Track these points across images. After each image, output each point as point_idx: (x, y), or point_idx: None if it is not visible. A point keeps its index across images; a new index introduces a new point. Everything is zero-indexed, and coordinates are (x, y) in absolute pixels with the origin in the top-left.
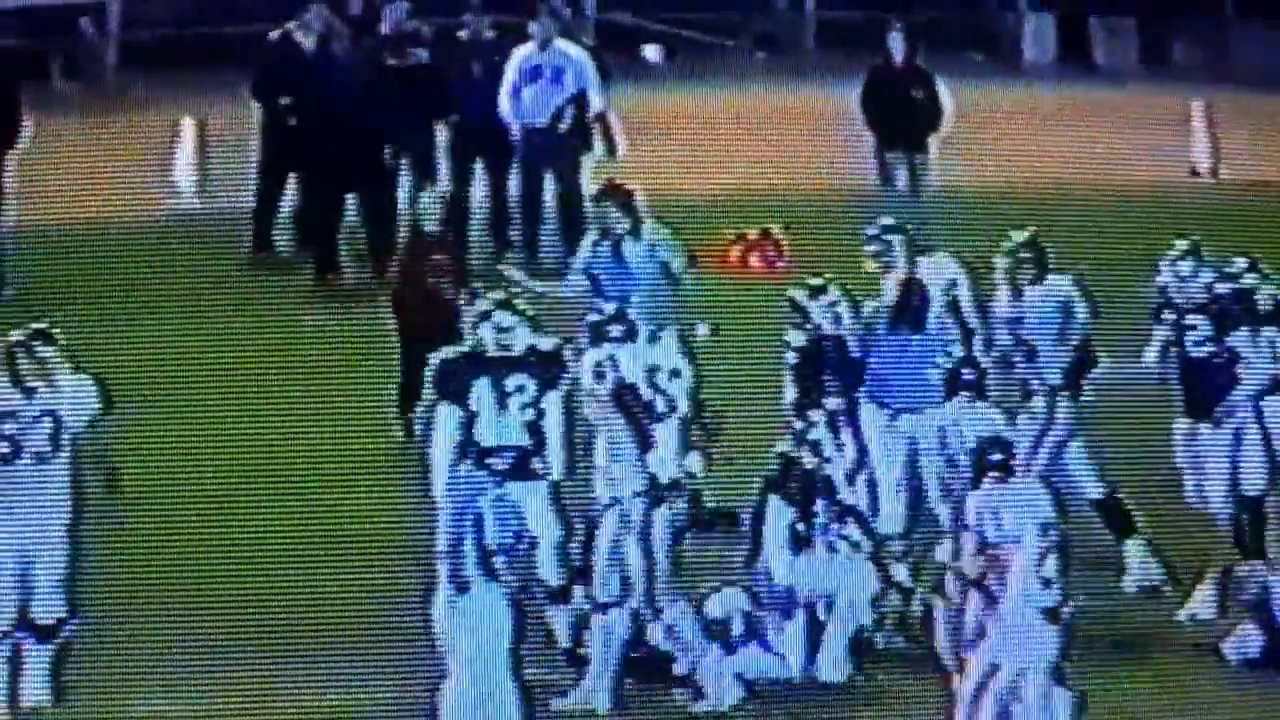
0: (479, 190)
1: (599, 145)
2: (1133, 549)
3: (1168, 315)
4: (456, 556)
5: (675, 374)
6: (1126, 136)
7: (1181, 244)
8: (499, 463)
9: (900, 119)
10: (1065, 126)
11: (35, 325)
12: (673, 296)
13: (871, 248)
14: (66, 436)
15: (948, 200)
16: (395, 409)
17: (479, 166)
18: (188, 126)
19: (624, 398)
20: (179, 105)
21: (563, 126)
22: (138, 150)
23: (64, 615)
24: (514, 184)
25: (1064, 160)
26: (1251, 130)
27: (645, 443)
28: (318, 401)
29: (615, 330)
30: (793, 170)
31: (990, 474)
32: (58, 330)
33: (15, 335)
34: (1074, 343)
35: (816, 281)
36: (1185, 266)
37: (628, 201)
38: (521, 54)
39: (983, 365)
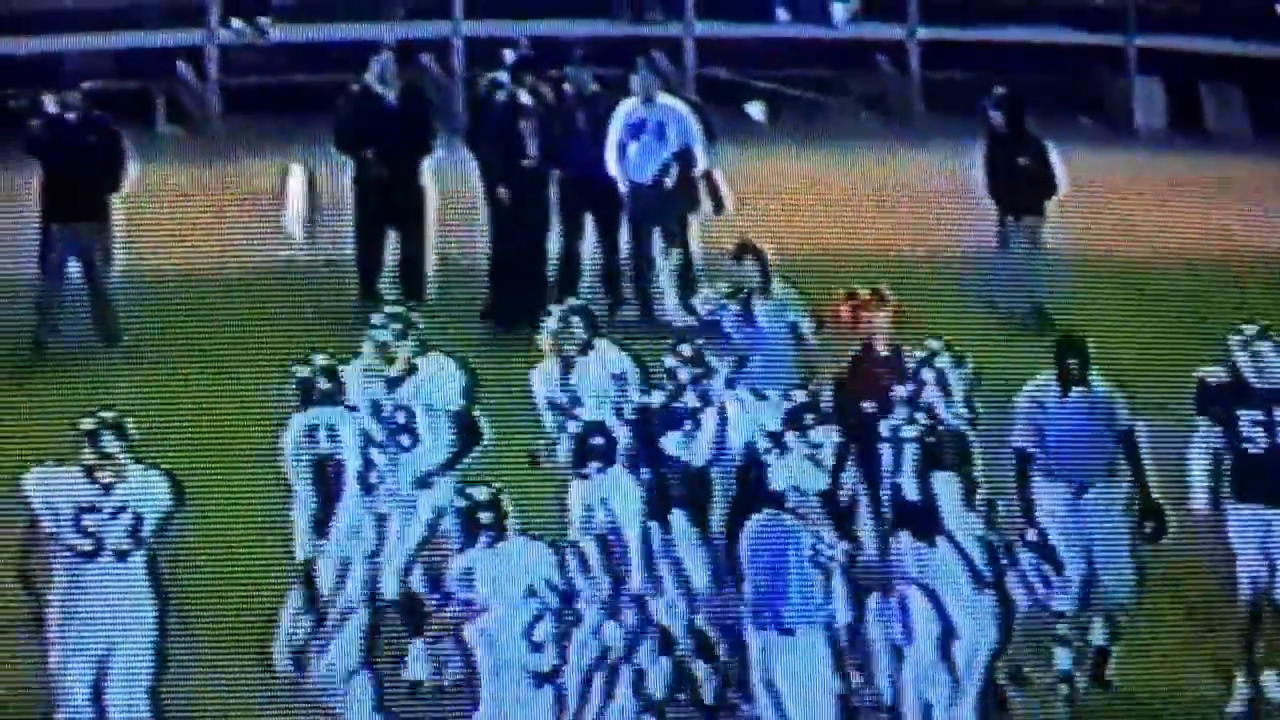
0: (590, 244)
1: (706, 202)
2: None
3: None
4: None
5: None
6: (1240, 208)
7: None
8: None
9: (1015, 185)
10: (1180, 195)
11: (104, 414)
12: (797, 355)
13: None
14: (146, 531)
15: (1063, 265)
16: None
17: (589, 221)
18: (295, 173)
19: None
20: (285, 151)
21: (668, 183)
22: (244, 196)
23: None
24: (623, 240)
25: (1178, 229)
26: None
27: None
28: None
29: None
30: (902, 233)
31: None
32: (130, 420)
33: (86, 424)
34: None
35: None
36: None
37: (762, 259)
38: (625, 108)
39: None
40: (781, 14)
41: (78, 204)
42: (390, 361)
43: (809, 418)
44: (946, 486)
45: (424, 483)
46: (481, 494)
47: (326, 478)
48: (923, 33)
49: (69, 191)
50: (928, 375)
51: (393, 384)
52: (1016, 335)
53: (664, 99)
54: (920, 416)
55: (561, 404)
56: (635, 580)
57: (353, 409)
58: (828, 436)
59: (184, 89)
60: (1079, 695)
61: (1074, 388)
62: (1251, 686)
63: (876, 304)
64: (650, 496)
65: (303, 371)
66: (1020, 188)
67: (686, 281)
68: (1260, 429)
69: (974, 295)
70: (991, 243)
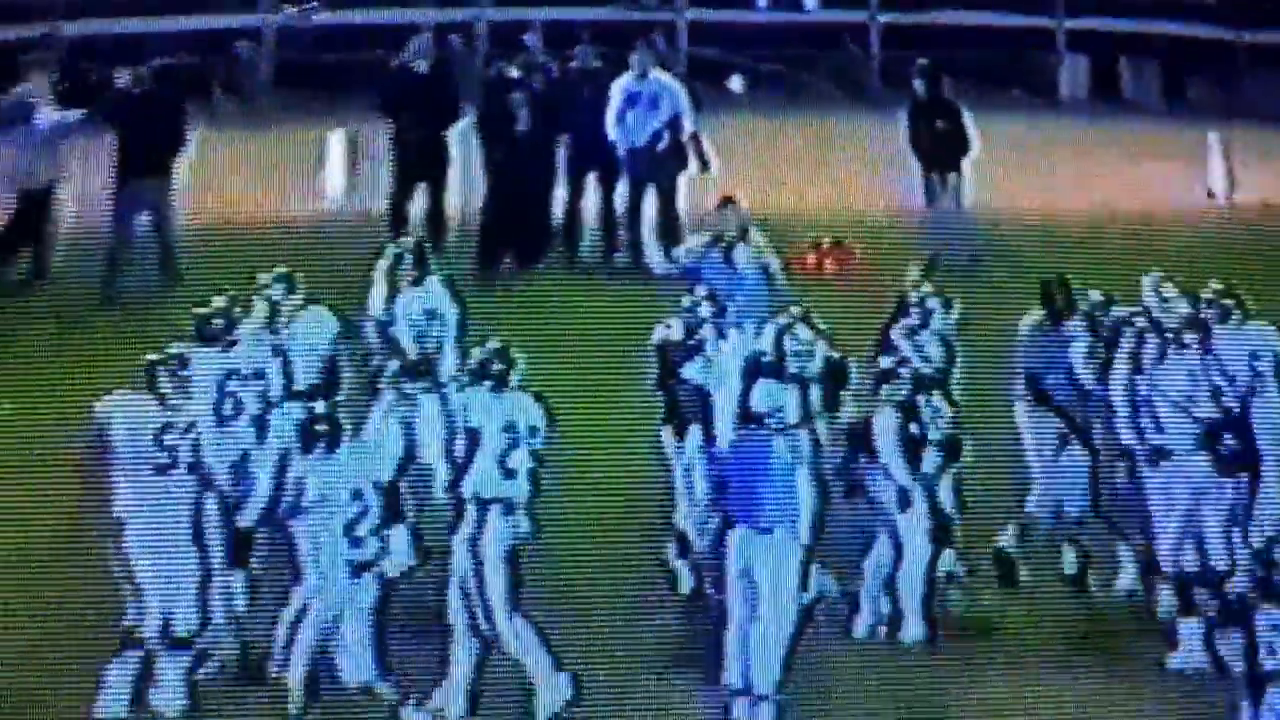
0: (591, 200)
1: (694, 163)
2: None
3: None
4: None
5: None
6: (1150, 165)
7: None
8: None
9: (935, 145)
10: (1095, 156)
11: (172, 350)
12: (770, 296)
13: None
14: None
15: (984, 220)
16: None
17: (591, 179)
18: (336, 138)
19: None
20: (328, 120)
21: (660, 146)
22: (290, 159)
23: (196, 628)
24: (619, 195)
25: (1092, 185)
26: (1262, 159)
27: None
28: None
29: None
30: (857, 190)
31: None
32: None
33: (153, 357)
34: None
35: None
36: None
37: (740, 212)
38: (623, 83)
39: None
40: (760, 0)
41: (147, 164)
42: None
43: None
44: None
45: None
46: (320, 408)
47: None
48: (882, 17)
49: (139, 154)
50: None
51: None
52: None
53: (657, 74)
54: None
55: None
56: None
57: None
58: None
59: (240, 65)
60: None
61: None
62: None
63: (837, 252)
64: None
65: None
66: (939, 147)
67: (672, 232)
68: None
69: (917, 245)
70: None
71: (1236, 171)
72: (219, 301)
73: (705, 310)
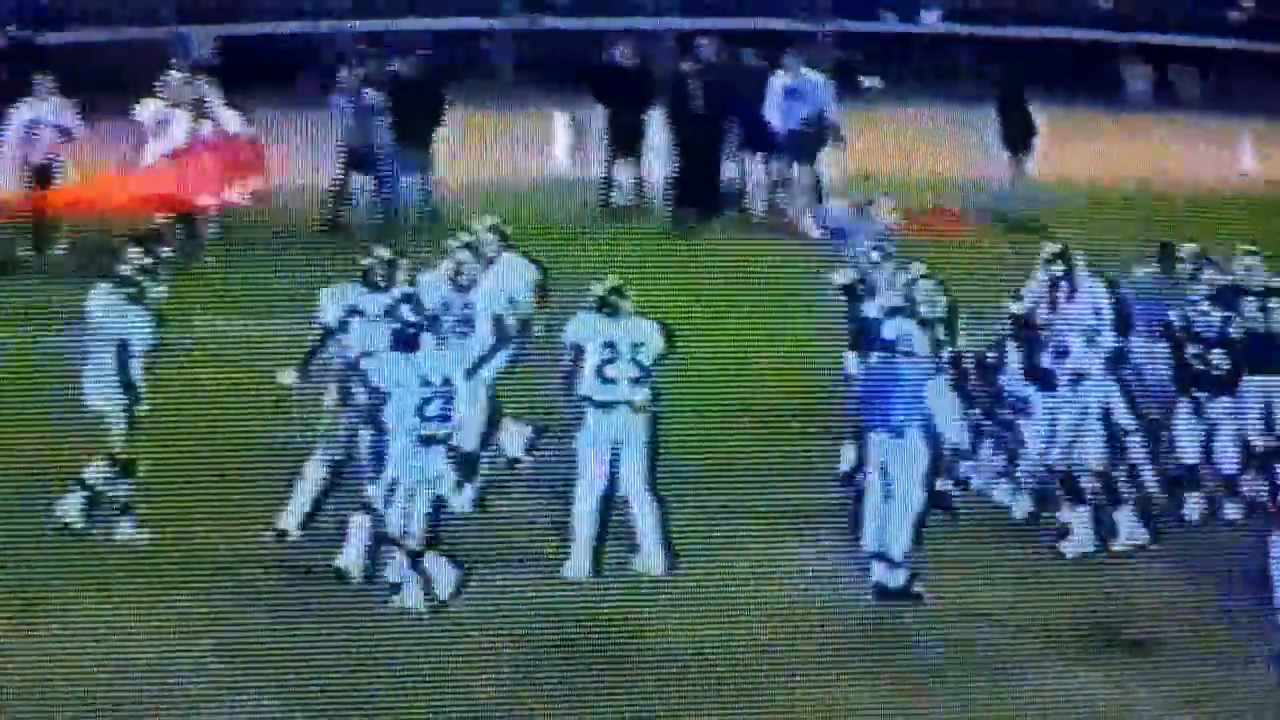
0: (755, 171)
1: (834, 144)
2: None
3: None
4: None
5: None
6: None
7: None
8: None
9: (1012, 132)
10: (1147, 140)
11: (381, 253)
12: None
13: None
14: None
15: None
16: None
17: (755, 155)
18: (560, 119)
19: None
20: (553, 104)
21: (808, 130)
22: (526, 134)
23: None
24: (776, 169)
25: (1145, 164)
26: None
27: None
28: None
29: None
30: (959, 164)
31: None
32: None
33: (366, 261)
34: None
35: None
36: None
37: (872, 183)
38: (779, 78)
39: None
40: (888, 15)
41: (414, 135)
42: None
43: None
44: None
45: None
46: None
47: None
48: (984, 30)
49: (409, 126)
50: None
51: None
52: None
53: (806, 72)
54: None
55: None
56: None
57: None
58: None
59: (486, 58)
60: None
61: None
62: None
63: (945, 214)
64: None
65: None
66: (1016, 133)
67: (818, 198)
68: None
69: (1003, 208)
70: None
71: (1265, 154)
72: (383, 252)
73: (877, 255)
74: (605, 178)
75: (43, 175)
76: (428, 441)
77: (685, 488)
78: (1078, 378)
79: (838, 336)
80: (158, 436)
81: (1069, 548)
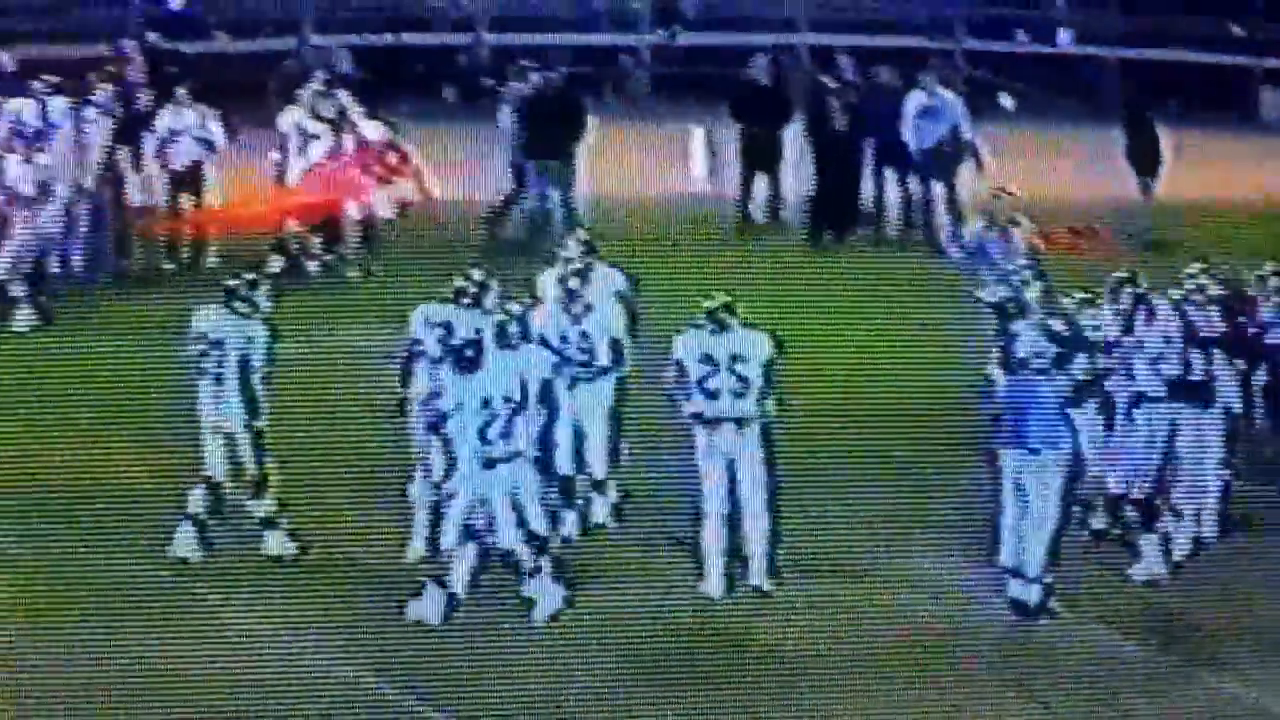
0: (891, 190)
1: (971, 162)
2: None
3: None
4: None
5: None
6: None
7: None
8: None
9: (1140, 156)
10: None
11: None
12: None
13: None
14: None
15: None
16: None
17: (891, 173)
18: (697, 133)
19: None
20: (690, 119)
21: (944, 149)
22: (664, 148)
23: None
24: (911, 186)
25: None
26: None
27: None
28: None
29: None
30: (1091, 185)
31: None
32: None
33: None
34: None
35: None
36: None
37: (1009, 201)
38: (915, 97)
39: None
40: (1021, 35)
41: (555, 148)
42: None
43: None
44: None
45: None
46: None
47: None
48: (1121, 52)
49: (548, 139)
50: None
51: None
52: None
53: (942, 90)
54: None
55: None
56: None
57: None
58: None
59: (623, 74)
60: None
61: None
62: None
63: (1089, 234)
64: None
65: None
66: (1144, 157)
67: (956, 217)
68: None
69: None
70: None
71: None
72: (476, 274)
73: (1027, 275)
74: (741, 194)
75: (184, 186)
76: (491, 464)
77: (819, 502)
78: (1139, 400)
79: (972, 354)
80: (292, 451)
81: (1138, 572)
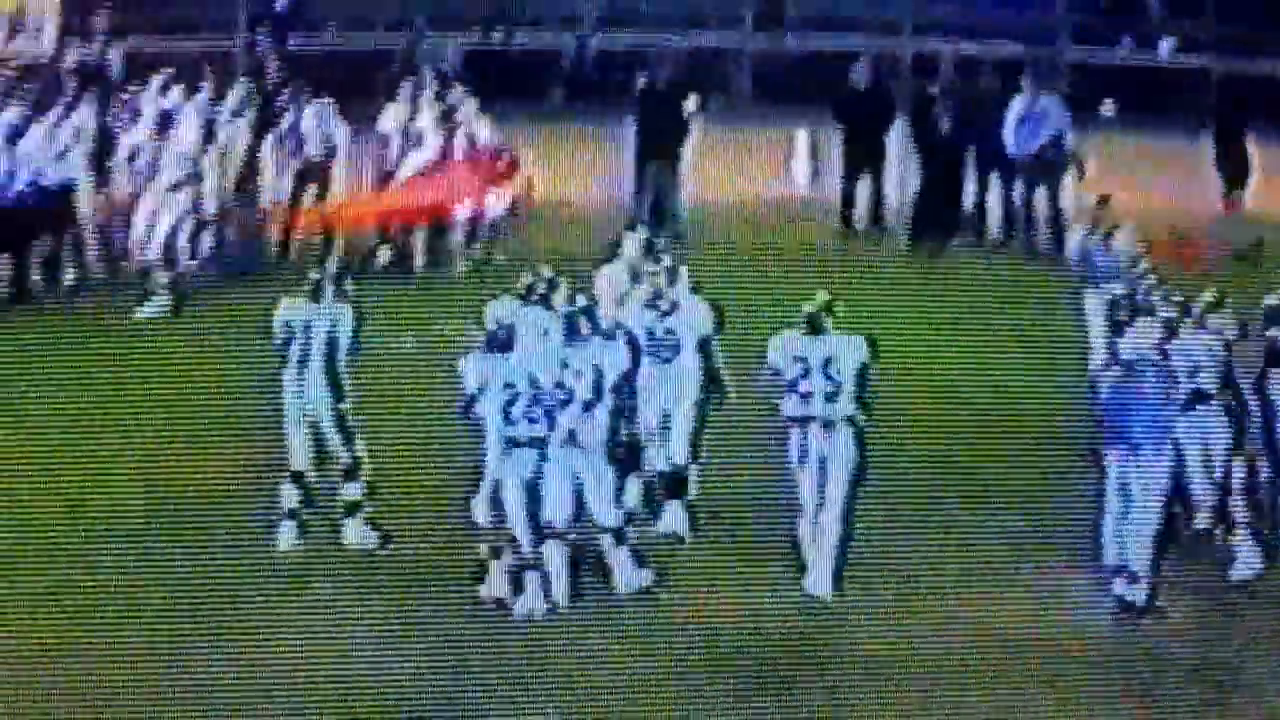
0: (994, 195)
1: (1074, 169)
2: None
3: None
4: None
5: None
6: None
7: None
8: None
9: (1227, 168)
10: None
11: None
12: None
13: None
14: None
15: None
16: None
17: (994, 178)
18: (801, 135)
19: None
20: (793, 122)
21: (1047, 155)
22: (766, 151)
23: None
24: (1014, 191)
25: None
26: None
27: None
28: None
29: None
30: (1191, 195)
31: None
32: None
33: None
34: None
35: None
36: None
37: (1112, 209)
38: (1019, 103)
39: None
40: (1126, 42)
41: (660, 150)
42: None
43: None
44: None
45: None
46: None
47: None
48: (1216, 63)
49: (655, 141)
50: None
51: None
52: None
53: (1045, 97)
54: None
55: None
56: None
57: None
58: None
59: (727, 76)
60: None
61: None
62: None
63: (1188, 243)
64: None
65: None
66: (1232, 169)
67: (1059, 222)
68: None
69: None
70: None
71: None
72: (544, 270)
73: (1142, 283)
74: (844, 197)
75: (309, 182)
76: (513, 443)
77: (915, 505)
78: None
79: (1074, 357)
80: (380, 442)
81: (1239, 571)
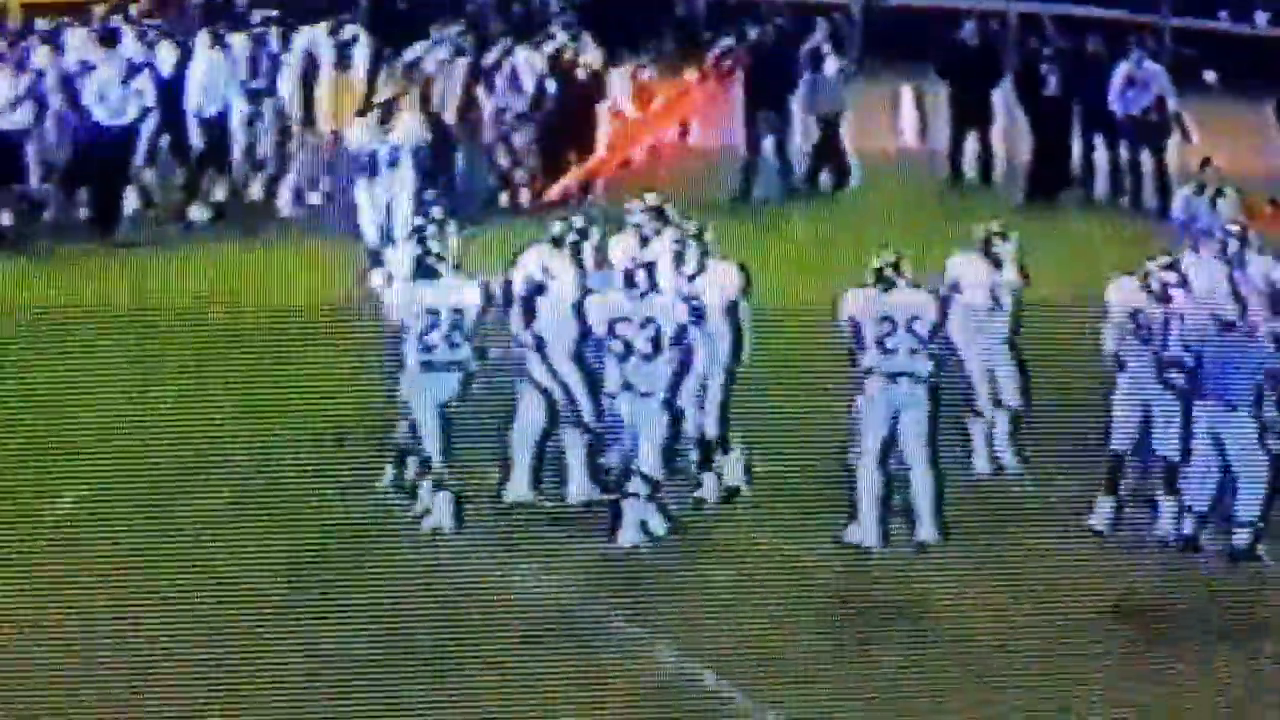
0: (1101, 156)
1: (1178, 133)
2: None
3: None
4: None
5: None
6: None
7: None
8: None
9: None
10: None
11: (576, 221)
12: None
13: None
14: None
15: None
16: None
17: (1099, 138)
18: (906, 91)
19: None
20: (900, 77)
21: (1152, 118)
22: (872, 104)
23: None
24: (1119, 153)
25: None
26: None
27: None
28: None
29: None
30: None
31: None
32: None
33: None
34: None
35: None
36: None
37: (1216, 172)
38: (1123, 66)
39: None
40: (1223, 14)
41: (772, 99)
42: None
43: None
44: None
45: None
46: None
47: None
48: None
49: (767, 91)
50: None
51: None
52: None
53: (1149, 62)
54: None
55: None
56: None
57: None
58: None
59: (834, 31)
60: None
61: None
62: None
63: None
64: None
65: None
66: None
67: (1164, 184)
68: None
69: None
70: None
71: None
72: (578, 221)
73: (1240, 239)
74: (952, 152)
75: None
76: (429, 367)
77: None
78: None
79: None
80: None
81: None
